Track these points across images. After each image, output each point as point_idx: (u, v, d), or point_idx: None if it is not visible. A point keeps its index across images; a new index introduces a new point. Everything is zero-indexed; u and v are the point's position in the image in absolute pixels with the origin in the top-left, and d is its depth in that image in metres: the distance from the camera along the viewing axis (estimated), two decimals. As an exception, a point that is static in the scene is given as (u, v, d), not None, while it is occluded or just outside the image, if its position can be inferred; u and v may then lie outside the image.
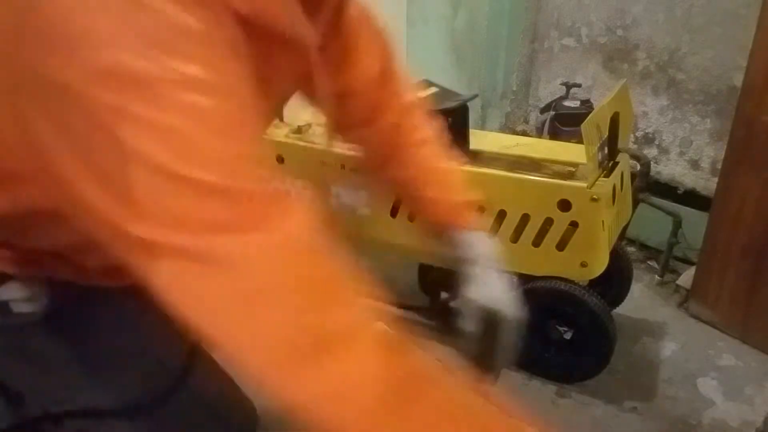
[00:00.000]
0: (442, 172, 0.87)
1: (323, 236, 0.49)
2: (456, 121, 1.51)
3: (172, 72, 0.42)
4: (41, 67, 0.42)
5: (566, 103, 2.09)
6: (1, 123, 0.50)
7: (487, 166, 1.48)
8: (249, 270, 0.44)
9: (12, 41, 0.44)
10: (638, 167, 1.53)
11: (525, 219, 1.40)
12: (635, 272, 1.71)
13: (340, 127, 0.82)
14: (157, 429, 0.69)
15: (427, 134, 0.87)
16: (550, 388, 1.50)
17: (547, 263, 1.40)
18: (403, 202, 0.87)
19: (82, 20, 0.41)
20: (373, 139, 0.86)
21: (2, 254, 0.61)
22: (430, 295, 1.69)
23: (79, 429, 0.67)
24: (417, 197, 0.87)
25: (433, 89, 1.57)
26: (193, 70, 0.43)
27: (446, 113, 1.48)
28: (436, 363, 0.53)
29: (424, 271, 1.69)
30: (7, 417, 0.63)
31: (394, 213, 1.47)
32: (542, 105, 2.24)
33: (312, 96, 0.75)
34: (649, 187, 1.57)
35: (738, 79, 1.65)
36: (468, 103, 1.51)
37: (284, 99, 0.80)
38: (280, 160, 1.53)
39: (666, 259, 1.90)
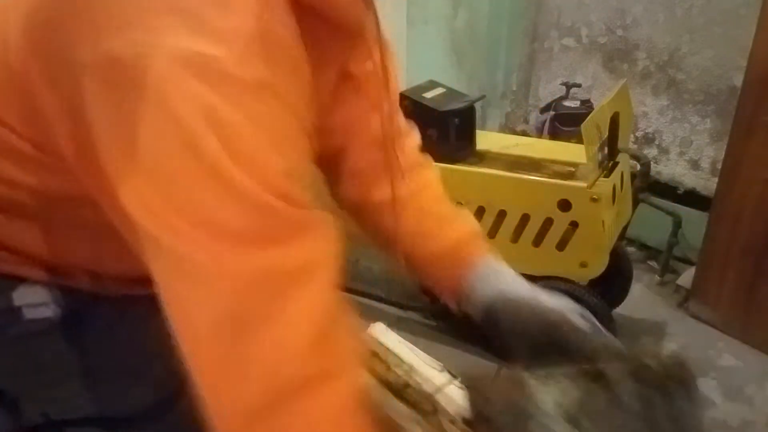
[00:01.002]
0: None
1: (334, 273, 0.46)
2: (463, 122, 1.51)
3: (247, 68, 0.40)
4: (89, 49, 0.41)
5: (566, 103, 2.09)
6: (54, 114, 0.47)
7: (488, 166, 1.48)
8: (229, 289, 0.41)
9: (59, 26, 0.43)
10: (638, 167, 1.53)
11: (525, 219, 1.40)
12: (635, 272, 1.71)
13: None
14: None
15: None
16: (550, 388, 1.50)
17: (547, 263, 1.40)
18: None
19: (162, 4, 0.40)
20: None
21: (18, 258, 0.59)
22: (430, 295, 1.68)
23: None
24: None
25: (440, 90, 1.57)
26: (265, 74, 0.41)
27: (454, 114, 1.48)
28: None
29: (424, 271, 1.68)
30: (6, 423, 0.62)
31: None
32: (542, 105, 2.24)
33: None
34: (649, 187, 1.57)
35: (738, 79, 1.65)
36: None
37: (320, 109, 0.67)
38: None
39: (666, 259, 1.90)
